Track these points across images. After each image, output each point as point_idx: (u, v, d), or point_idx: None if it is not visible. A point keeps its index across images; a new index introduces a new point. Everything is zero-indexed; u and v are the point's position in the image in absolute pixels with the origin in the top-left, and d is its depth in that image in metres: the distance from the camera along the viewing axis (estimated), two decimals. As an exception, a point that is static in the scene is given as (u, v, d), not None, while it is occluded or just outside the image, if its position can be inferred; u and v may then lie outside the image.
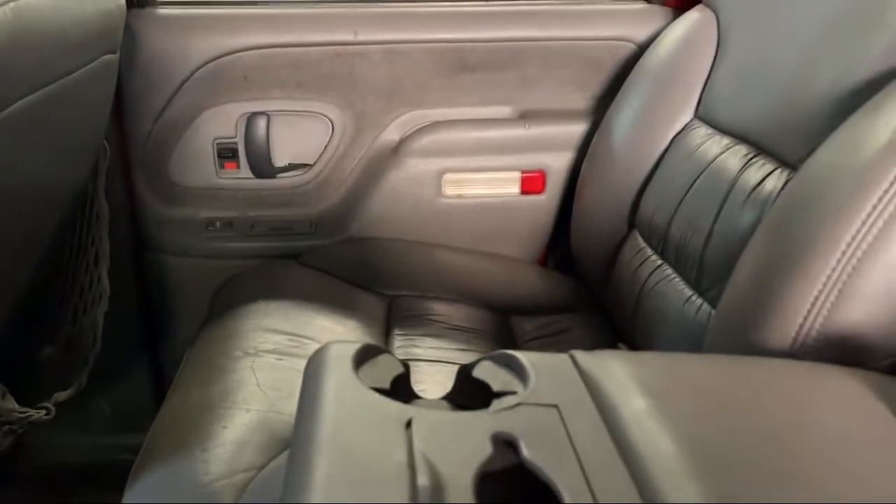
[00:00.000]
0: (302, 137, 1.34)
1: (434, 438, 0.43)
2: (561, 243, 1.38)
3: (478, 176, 1.34)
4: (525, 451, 0.43)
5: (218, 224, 1.35)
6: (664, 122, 1.12)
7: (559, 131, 1.34)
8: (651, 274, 1.01)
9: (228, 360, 0.89)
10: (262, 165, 1.33)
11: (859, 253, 0.60)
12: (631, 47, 1.32)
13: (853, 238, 0.61)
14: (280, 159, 1.34)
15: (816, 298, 0.62)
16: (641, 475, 0.42)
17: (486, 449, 0.42)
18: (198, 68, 1.26)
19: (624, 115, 1.19)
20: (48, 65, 0.79)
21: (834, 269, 0.61)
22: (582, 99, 1.35)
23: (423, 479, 0.39)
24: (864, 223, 0.60)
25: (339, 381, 0.49)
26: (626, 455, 0.43)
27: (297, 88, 1.30)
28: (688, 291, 0.91)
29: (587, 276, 1.26)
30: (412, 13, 1.33)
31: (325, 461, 0.41)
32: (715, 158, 0.95)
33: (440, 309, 1.14)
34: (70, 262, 1.09)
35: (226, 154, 1.33)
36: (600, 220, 1.20)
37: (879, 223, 0.60)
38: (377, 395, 0.47)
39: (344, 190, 1.36)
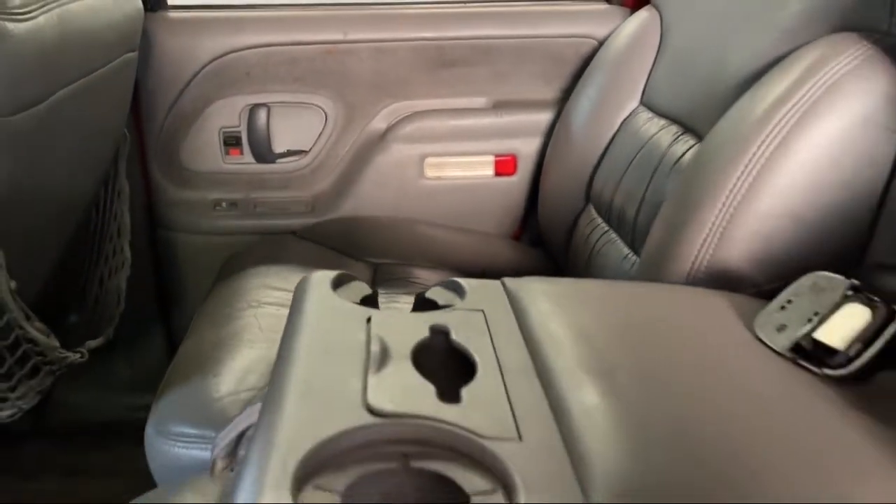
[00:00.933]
0: (299, 127, 1.50)
1: (386, 326, 0.59)
2: (533, 220, 1.54)
3: (455, 160, 1.50)
4: (453, 336, 0.58)
5: (224, 204, 1.50)
6: (615, 109, 1.27)
7: (528, 119, 1.49)
8: (599, 239, 1.16)
9: (235, 311, 1.06)
10: (263, 152, 1.49)
11: (735, 204, 0.76)
12: (592, 43, 1.47)
13: (730, 192, 0.76)
14: (279, 146, 1.50)
15: (703, 243, 0.77)
16: (538, 352, 0.57)
17: (424, 333, 0.58)
18: (205, 65, 1.42)
19: (581, 104, 1.35)
20: (84, 61, 0.95)
21: (716, 218, 0.77)
22: (549, 90, 1.50)
23: (375, 349, 0.55)
24: (738, 180, 0.76)
25: (319, 294, 0.64)
26: (528, 339, 0.59)
27: (294, 83, 1.46)
28: (625, 250, 1.07)
29: (551, 247, 1.41)
30: (396, 15, 1.49)
31: (305, 340, 0.57)
32: (651, 137, 1.11)
33: (420, 274, 1.30)
34: (95, 235, 1.25)
35: (231, 142, 1.48)
36: (562, 197, 1.35)
37: (750, 179, 0.75)
38: (348, 303, 0.63)
39: (336, 173, 1.51)
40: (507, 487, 0.43)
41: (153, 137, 1.45)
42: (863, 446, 0.48)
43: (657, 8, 1.29)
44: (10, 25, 0.75)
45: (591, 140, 1.29)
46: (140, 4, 1.19)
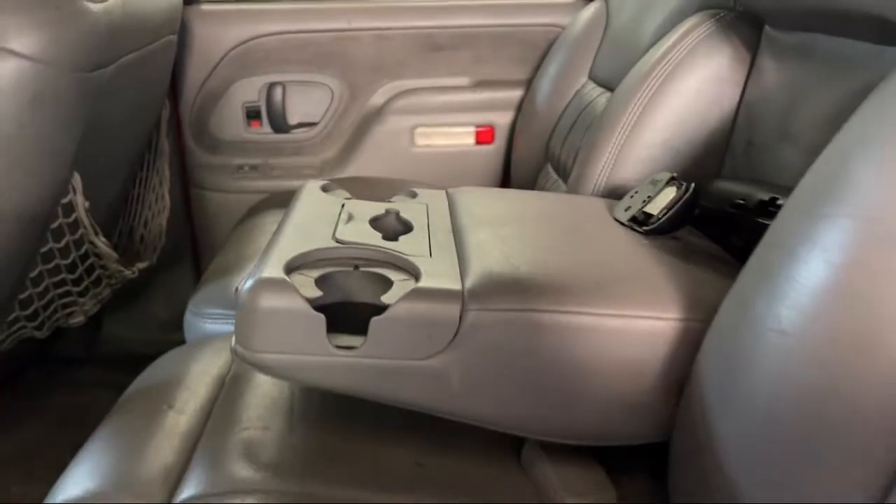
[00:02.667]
0: (309, 102, 1.77)
1: (355, 206, 0.85)
2: (507, 184, 1.80)
3: (441, 130, 1.76)
4: (401, 214, 0.85)
5: (245, 168, 1.78)
6: (569, 83, 1.53)
7: (504, 96, 1.76)
8: (551, 188, 1.42)
9: (255, 237, 1.33)
10: (280, 123, 1.77)
11: (625, 137, 1.02)
12: (559, 31, 1.73)
13: (621, 128, 1.02)
14: (293, 119, 1.77)
15: (602, 167, 1.03)
16: (456, 220, 0.83)
17: (381, 211, 0.85)
18: (231, 49, 1.70)
19: (544, 82, 1.61)
20: (138, 37, 1.23)
21: (612, 147, 1.03)
22: (521, 71, 1.76)
23: (344, 217, 0.82)
24: (626, 119, 1.02)
25: (310, 191, 0.91)
26: (452, 215, 0.85)
27: (305, 64, 1.74)
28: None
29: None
30: (393, 7, 1.76)
31: (298, 210, 0.83)
32: (591, 102, 1.37)
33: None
34: (140, 185, 1.53)
35: (252, 114, 1.76)
36: (527, 159, 1.61)
37: (634, 118, 1.01)
38: (332, 196, 0.90)
39: (341, 142, 1.79)
40: (416, 278, 0.69)
41: (187, 110, 1.73)
42: (657, 266, 0.73)
43: (606, -1, 1.55)
44: (90, 5, 1.03)
45: (550, 110, 1.55)
46: (179, -2, 1.47)
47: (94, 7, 1.04)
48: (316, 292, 0.66)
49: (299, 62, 1.73)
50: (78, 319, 1.33)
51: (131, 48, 1.20)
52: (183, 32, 1.62)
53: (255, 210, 1.59)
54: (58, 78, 1.01)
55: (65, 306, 1.27)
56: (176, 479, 0.69)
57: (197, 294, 1.17)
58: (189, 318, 1.14)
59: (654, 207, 0.80)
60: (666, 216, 0.77)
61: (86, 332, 1.76)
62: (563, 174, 1.38)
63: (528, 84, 1.74)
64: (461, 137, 1.77)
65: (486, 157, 1.78)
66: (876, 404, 0.46)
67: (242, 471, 0.69)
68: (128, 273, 1.33)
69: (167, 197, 1.52)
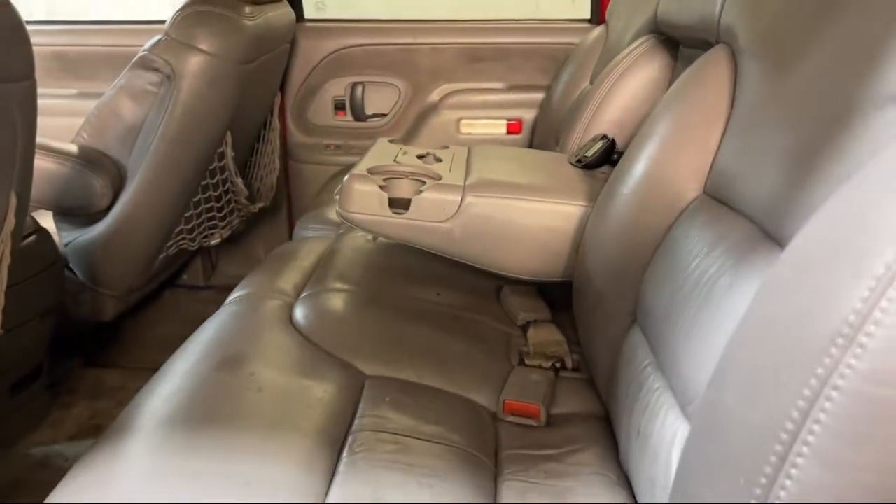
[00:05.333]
0: (382, 98, 2.33)
1: (408, 150, 1.39)
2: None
3: (481, 122, 2.30)
4: (436, 154, 1.39)
5: (332, 147, 2.35)
6: (575, 87, 2.04)
7: (530, 97, 2.28)
8: (554, 161, 1.94)
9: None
10: (359, 114, 2.33)
11: (591, 116, 1.53)
12: (573, 47, 2.24)
13: (588, 111, 1.54)
14: (369, 110, 2.33)
15: (575, 137, 1.55)
16: (469, 161, 1.37)
17: (423, 152, 1.38)
18: (325, 57, 2.28)
19: (558, 86, 2.12)
20: (270, 43, 1.81)
21: (581, 124, 1.54)
22: (544, 78, 2.28)
23: (401, 153, 1.36)
24: (592, 104, 1.53)
25: (381, 140, 1.46)
26: (469, 157, 1.39)
27: (380, 69, 2.30)
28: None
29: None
30: (447, 27, 2.31)
31: (372, 150, 1.38)
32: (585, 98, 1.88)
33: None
34: (257, 152, 2.11)
35: (339, 106, 2.33)
36: (544, 145, 2.12)
37: (598, 102, 1.53)
38: (394, 143, 1.44)
39: (404, 129, 2.34)
40: (438, 180, 1.22)
41: (291, 101, 2.32)
42: (577, 182, 1.25)
43: (607, 23, 2.07)
44: (247, 21, 1.61)
45: (560, 108, 2.06)
46: (294, 17, 2.06)
47: (249, 22, 1.62)
48: (381, 183, 1.20)
49: (375, 67, 2.30)
50: (215, 241, 1.91)
51: (266, 51, 1.78)
52: (293, 42, 2.21)
53: (336, 177, 2.15)
54: (225, 67, 1.59)
55: (210, 228, 1.85)
56: (295, 301, 1.24)
57: (303, 217, 1.74)
58: (297, 230, 1.70)
59: (589, 153, 1.32)
60: (589, 159, 1.29)
61: (205, 266, 2.37)
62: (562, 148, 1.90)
63: (549, 88, 2.26)
64: (496, 128, 2.30)
65: (514, 143, 2.31)
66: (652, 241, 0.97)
67: (337, 283, 1.24)
68: (252, 208, 1.91)
69: (277, 161, 2.10)
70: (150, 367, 0.97)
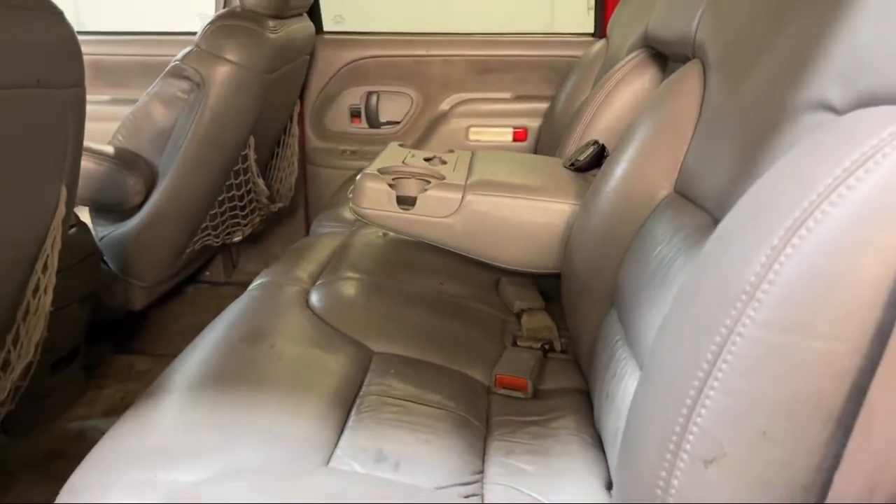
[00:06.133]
0: (395, 107, 2.47)
1: (416, 153, 1.52)
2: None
3: (488, 129, 2.43)
4: (441, 157, 1.51)
5: (347, 152, 2.49)
6: (577, 98, 2.15)
7: (535, 107, 2.41)
8: (555, 166, 2.06)
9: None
10: (373, 121, 2.47)
11: (587, 123, 1.65)
12: (576, 60, 2.37)
13: (585, 118, 1.66)
14: (383, 118, 2.47)
15: (573, 142, 1.67)
16: (471, 163, 1.49)
17: (430, 155, 1.51)
18: (342, 67, 2.42)
19: (561, 96, 2.25)
20: (291, 55, 1.95)
21: (579, 129, 1.66)
22: (548, 89, 2.41)
23: (409, 156, 1.49)
24: (588, 112, 1.65)
25: (392, 145, 1.59)
26: (471, 160, 1.51)
27: (393, 79, 2.44)
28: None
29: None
30: (457, 40, 2.44)
31: (383, 153, 1.51)
32: (584, 109, 2.00)
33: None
34: (277, 155, 2.25)
35: (354, 114, 2.47)
36: (547, 152, 2.25)
37: (594, 110, 1.65)
38: (403, 147, 1.57)
39: (416, 136, 2.47)
40: (442, 180, 1.35)
41: (309, 108, 2.46)
42: (569, 183, 1.38)
43: (608, 38, 2.19)
44: (270, 34, 1.75)
45: (563, 117, 2.18)
46: (313, 30, 2.20)
47: (272, 35, 1.76)
48: (390, 182, 1.33)
49: (389, 77, 2.43)
50: (237, 238, 2.05)
51: (287, 62, 1.92)
52: (312, 53, 2.35)
53: (350, 180, 2.28)
54: (250, 76, 1.73)
55: (233, 225, 1.99)
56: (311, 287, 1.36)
57: (319, 216, 1.87)
58: (314, 227, 1.83)
59: (581, 157, 1.44)
60: (581, 162, 1.41)
61: (226, 263, 2.51)
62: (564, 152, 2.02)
63: (553, 98, 2.38)
64: (502, 135, 2.43)
65: (519, 150, 2.43)
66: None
67: (349, 273, 1.37)
68: (272, 207, 2.05)
69: (296, 163, 2.24)
70: (175, 354, 1.08)
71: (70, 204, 1.22)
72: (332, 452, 0.87)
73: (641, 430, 0.66)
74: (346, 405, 0.97)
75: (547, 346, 1.23)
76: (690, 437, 0.59)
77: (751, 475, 0.57)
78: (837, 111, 0.65)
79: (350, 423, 0.94)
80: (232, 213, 1.94)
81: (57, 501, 0.78)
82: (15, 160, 1.05)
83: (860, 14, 0.66)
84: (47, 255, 1.15)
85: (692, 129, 1.05)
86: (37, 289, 1.13)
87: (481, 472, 0.91)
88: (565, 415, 1.04)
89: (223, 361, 1.02)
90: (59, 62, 1.11)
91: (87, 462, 0.82)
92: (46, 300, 1.14)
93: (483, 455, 0.95)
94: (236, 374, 0.99)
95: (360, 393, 1.01)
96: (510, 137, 2.43)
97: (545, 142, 2.27)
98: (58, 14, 1.10)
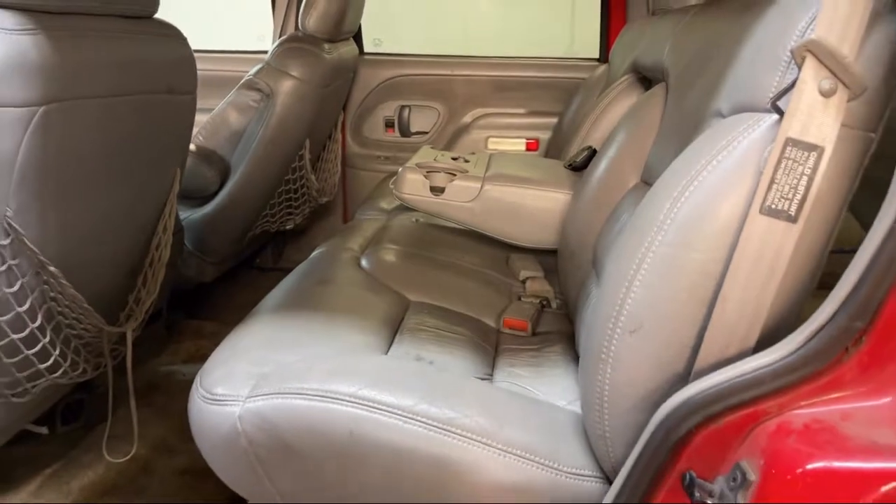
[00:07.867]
0: (424, 119, 2.84)
1: (444, 153, 1.89)
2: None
3: (505, 140, 2.79)
4: (464, 156, 1.88)
5: (382, 157, 2.86)
6: (582, 114, 2.52)
7: (546, 121, 2.77)
8: (561, 171, 2.42)
9: (384, 192, 2.39)
10: (405, 131, 2.84)
11: (585, 134, 2.01)
12: (582, 81, 2.74)
13: (584, 130, 2.02)
14: (413, 128, 2.85)
15: (574, 148, 2.03)
16: (489, 162, 1.86)
17: (455, 155, 1.88)
18: (379, 84, 2.80)
19: (568, 113, 2.61)
20: (341, 72, 2.33)
21: (579, 138, 2.03)
22: (558, 106, 2.77)
23: (439, 155, 1.86)
24: (587, 125, 2.02)
25: (425, 147, 1.96)
26: (489, 159, 1.88)
27: (423, 95, 2.81)
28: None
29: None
30: (479, 62, 2.82)
31: (419, 152, 1.88)
32: (586, 123, 2.37)
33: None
34: (322, 158, 2.63)
35: (389, 124, 2.85)
36: (555, 158, 2.61)
37: (592, 123, 2.01)
38: (434, 149, 1.94)
39: (441, 145, 2.84)
40: (465, 174, 1.71)
41: (350, 119, 2.84)
42: (565, 177, 1.74)
43: (610, 59, 2.55)
44: (326, 55, 2.13)
45: (568, 131, 2.55)
46: (357, 51, 2.58)
47: (327, 56, 2.15)
48: (425, 174, 1.70)
49: (420, 93, 2.81)
50: (289, 225, 2.42)
51: (338, 78, 2.31)
52: (355, 71, 2.73)
53: (384, 181, 2.65)
54: (310, 90, 2.11)
55: (287, 214, 2.36)
56: (361, 255, 1.72)
57: (361, 206, 2.24)
58: (358, 215, 2.20)
59: (578, 160, 1.80)
60: (577, 163, 1.77)
61: (274, 252, 2.89)
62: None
63: (561, 114, 2.75)
64: (516, 145, 2.80)
65: (532, 159, 2.79)
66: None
67: (390, 245, 1.73)
68: (320, 200, 2.42)
69: (338, 165, 2.62)
70: (237, 322, 1.32)
71: (180, 183, 1.60)
72: (387, 352, 1.23)
73: (594, 317, 1.02)
74: (392, 328, 1.33)
75: (545, 303, 1.58)
76: (622, 318, 0.94)
77: (657, 339, 0.92)
78: (724, 116, 1.00)
79: (396, 337, 1.30)
80: (287, 203, 2.31)
81: (199, 373, 1.14)
82: (153, 146, 1.43)
83: (746, 51, 1.01)
84: (166, 219, 1.52)
85: (654, 135, 1.41)
86: (159, 245, 1.51)
87: (491, 375, 1.27)
88: (555, 345, 1.40)
89: (303, 294, 1.38)
90: (182, 74, 1.49)
91: (216, 352, 1.19)
92: (166, 253, 1.51)
93: (492, 366, 1.31)
94: (313, 302, 1.35)
95: (402, 322, 1.37)
96: (523, 147, 2.80)
97: (553, 151, 2.64)
98: (182, 39, 1.48)
